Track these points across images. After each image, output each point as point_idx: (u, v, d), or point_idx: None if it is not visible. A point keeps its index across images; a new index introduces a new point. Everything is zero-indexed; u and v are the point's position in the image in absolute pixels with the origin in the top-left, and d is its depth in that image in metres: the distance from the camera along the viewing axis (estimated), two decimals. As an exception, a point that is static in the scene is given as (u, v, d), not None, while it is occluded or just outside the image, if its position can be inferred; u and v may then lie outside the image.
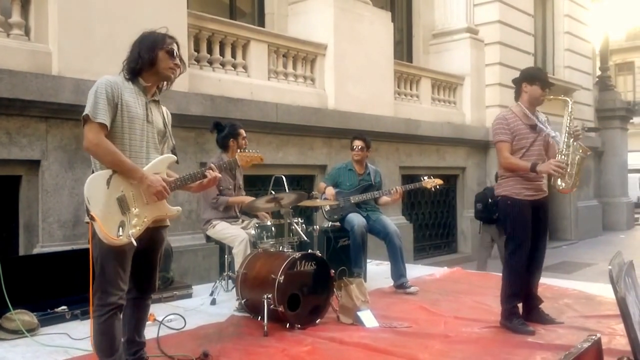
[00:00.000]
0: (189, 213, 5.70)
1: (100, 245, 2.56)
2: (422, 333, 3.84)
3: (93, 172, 2.65)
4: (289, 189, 5.30)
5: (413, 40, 10.44)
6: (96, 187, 2.58)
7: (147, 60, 2.68)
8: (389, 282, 5.31)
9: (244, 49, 6.69)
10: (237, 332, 3.87)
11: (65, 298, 4.15)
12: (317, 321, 4.01)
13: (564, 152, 3.78)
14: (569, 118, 3.87)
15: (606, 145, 14.98)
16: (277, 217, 4.76)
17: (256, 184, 6.45)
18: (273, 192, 4.54)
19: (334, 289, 4.17)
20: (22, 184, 4.80)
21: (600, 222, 14.39)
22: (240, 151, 3.25)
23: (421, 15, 10.41)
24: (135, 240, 2.59)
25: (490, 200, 6.81)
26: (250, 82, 6.59)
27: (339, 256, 5.22)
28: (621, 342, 3.36)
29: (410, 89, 9.28)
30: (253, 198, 4.71)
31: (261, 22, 7.74)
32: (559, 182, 3.80)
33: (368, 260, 5.74)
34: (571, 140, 3.81)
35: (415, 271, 6.25)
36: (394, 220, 6.46)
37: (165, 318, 3.96)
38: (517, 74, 4.17)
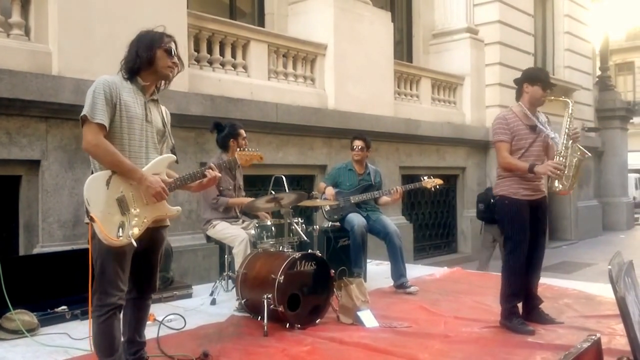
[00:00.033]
0: (189, 213, 5.70)
1: (100, 245, 2.56)
2: (422, 333, 3.84)
3: (92, 172, 2.64)
4: (289, 189, 5.30)
5: (413, 40, 10.43)
6: (96, 188, 2.57)
7: (145, 59, 2.67)
8: (389, 282, 5.31)
9: (244, 49, 6.69)
10: (237, 332, 3.87)
11: (65, 298, 4.15)
12: (317, 321, 4.00)
13: (562, 153, 3.78)
14: (568, 120, 3.87)
15: (606, 145, 14.98)
16: (277, 217, 4.76)
17: (256, 184, 6.46)
18: (273, 192, 4.54)
19: (334, 289, 4.17)
20: (22, 184, 4.80)
21: (600, 222, 14.39)
22: (240, 150, 3.24)
23: (421, 15, 10.40)
24: (135, 241, 2.59)
25: (492, 201, 6.80)
26: (250, 82, 6.59)
27: (339, 256, 5.21)
28: (621, 342, 3.36)
29: (410, 89, 9.27)
30: (253, 199, 4.71)
31: (261, 22, 7.73)
32: (556, 183, 3.80)
33: (368, 260, 5.74)
34: (569, 142, 3.80)
35: (415, 271, 6.25)
36: (394, 220, 6.46)
37: (165, 318, 3.96)
38: (517, 74, 4.17)
